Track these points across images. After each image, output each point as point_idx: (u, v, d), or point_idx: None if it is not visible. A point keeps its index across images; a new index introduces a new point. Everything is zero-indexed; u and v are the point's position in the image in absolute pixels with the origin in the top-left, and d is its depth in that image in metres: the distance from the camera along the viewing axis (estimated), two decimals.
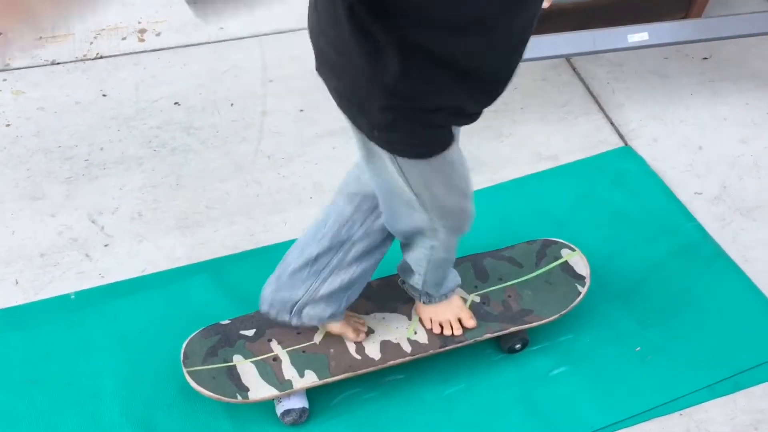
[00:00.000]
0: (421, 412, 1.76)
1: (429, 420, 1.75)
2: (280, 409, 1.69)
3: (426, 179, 1.38)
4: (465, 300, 1.83)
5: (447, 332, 1.76)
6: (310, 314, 1.66)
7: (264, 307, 1.69)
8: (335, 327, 1.73)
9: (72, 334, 1.88)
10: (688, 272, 2.07)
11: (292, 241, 2.09)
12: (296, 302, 1.65)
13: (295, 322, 1.68)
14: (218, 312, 1.87)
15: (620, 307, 1.98)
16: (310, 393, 1.74)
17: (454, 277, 1.77)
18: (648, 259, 2.09)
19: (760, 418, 1.78)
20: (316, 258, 1.61)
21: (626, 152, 2.41)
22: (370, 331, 1.77)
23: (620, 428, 1.75)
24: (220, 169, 2.33)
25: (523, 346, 1.86)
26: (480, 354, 1.86)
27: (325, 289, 1.63)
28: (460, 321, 1.77)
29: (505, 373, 1.83)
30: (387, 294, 1.84)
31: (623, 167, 2.36)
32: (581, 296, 1.85)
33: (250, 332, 1.76)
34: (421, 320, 1.79)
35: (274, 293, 1.67)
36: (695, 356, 1.88)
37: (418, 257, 1.63)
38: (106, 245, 2.10)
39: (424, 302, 1.76)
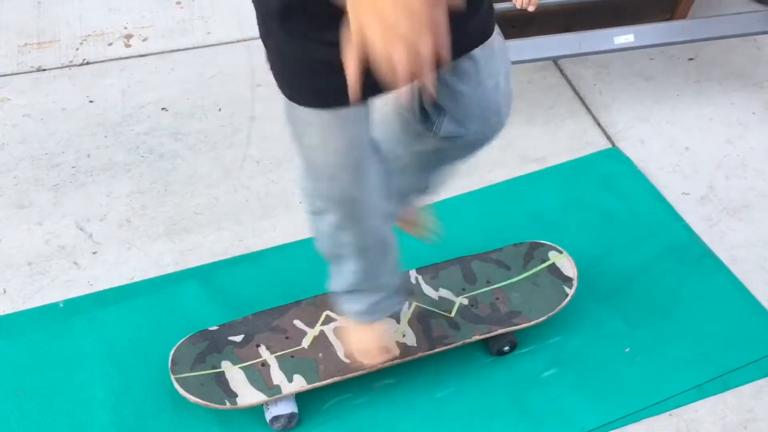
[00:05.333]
0: (411, 416, 1.76)
1: (419, 424, 1.75)
2: (269, 414, 1.69)
3: None
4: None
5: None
6: None
7: None
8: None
9: (61, 342, 1.87)
10: (676, 272, 2.08)
11: (282, 247, 2.11)
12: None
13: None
14: (208, 318, 1.87)
15: (609, 308, 1.98)
16: (300, 398, 1.74)
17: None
18: (636, 259, 2.10)
19: (750, 417, 1.79)
20: None
21: (613, 153, 2.42)
22: None
23: (610, 429, 1.75)
24: (209, 175, 2.32)
25: (512, 349, 1.86)
26: (469, 357, 1.86)
27: None
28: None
29: (495, 376, 1.84)
30: None
31: (610, 168, 2.37)
32: (568, 298, 1.86)
33: (238, 338, 1.75)
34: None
35: None
36: (684, 356, 1.89)
37: None
38: (94, 253, 2.09)
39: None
